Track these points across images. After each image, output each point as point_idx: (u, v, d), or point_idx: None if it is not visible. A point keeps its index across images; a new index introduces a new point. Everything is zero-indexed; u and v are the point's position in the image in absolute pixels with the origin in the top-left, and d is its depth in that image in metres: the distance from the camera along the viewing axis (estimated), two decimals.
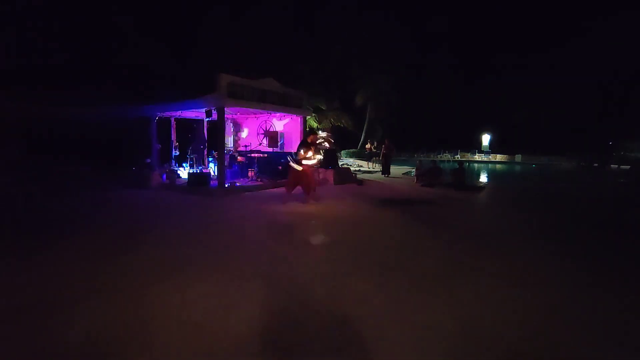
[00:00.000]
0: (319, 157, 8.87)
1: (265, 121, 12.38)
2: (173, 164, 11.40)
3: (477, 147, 32.84)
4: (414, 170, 14.06)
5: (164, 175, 10.47)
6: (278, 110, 11.03)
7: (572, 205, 8.65)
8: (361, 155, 23.02)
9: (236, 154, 11.63)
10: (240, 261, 3.95)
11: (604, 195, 10.72)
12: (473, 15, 31.06)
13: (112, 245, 4.52)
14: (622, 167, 21.19)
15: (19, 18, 14.04)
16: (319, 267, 3.80)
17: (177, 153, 11.72)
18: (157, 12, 18.04)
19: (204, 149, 11.51)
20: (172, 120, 11.94)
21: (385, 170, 14.59)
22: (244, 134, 13.17)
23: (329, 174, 11.57)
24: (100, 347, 2.29)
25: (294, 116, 11.74)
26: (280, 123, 12.22)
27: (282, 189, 10.06)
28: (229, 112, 11.51)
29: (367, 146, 20.20)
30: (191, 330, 2.48)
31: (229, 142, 12.73)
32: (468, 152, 32.25)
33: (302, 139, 8.11)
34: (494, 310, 2.85)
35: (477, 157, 31.58)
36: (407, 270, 3.74)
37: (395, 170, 15.70)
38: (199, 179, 9.62)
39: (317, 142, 8.61)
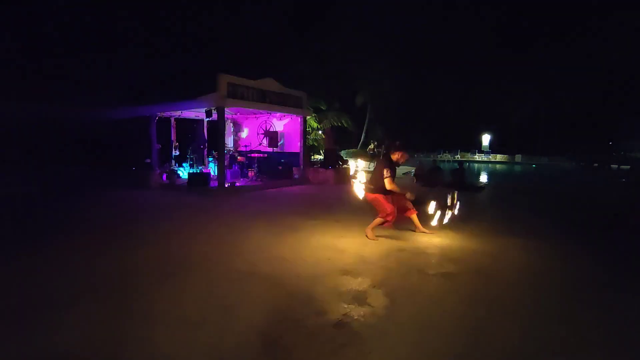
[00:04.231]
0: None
1: (265, 121, 12.37)
2: (173, 164, 11.38)
3: (477, 147, 32.87)
4: (413, 170, 14.05)
5: (164, 175, 10.45)
6: (278, 110, 11.03)
7: (573, 206, 8.64)
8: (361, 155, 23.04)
9: (236, 154, 11.62)
10: (241, 261, 3.94)
11: (606, 195, 10.70)
12: (472, 14, 31.03)
13: (111, 246, 4.51)
14: (622, 167, 21.17)
15: (19, 18, 14.04)
16: (319, 266, 3.79)
17: (177, 153, 11.70)
18: (156, 11, 18.03)
19: (204, 149, 11.50)
20: (172, 120, 11.92)
21: None
22: (244, 134, 13.15)
23: (329, 174, 11.62)
24: (99, 348, 2.28)
25: (294, 116, 11.74)
26: (280, 123, 12.21)
27: (281, 189, 10.08)
28: (229, 112, 11.49)
29: (370, 147, 20.37)
30: (191, 331, 2.47)
31: (229, 142, 12.71)
32: (468, 152, 32.27)
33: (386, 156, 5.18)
34: (496, 311, 2.84)
35: (477, 157, 31.61)
36: (407, 269, 3.73)
37: None
38: (199, 179, 9.61)
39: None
